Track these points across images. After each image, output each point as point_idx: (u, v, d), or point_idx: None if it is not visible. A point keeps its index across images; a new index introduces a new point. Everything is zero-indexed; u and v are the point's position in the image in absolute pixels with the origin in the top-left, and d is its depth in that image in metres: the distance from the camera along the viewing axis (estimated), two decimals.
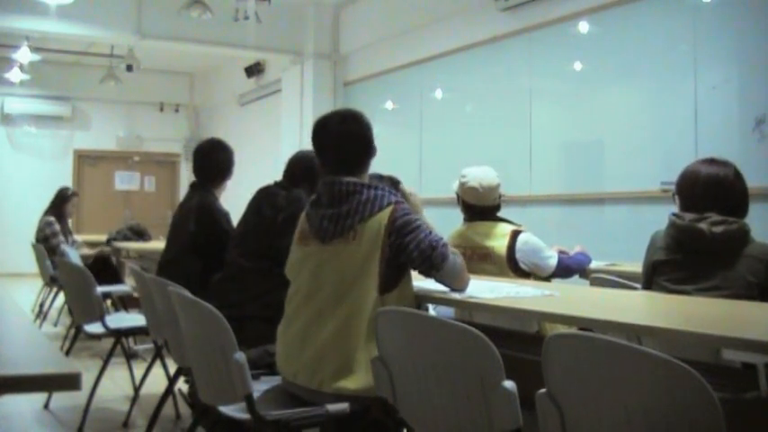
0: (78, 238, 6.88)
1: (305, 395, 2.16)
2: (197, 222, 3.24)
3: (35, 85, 10.79)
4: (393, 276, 2.16)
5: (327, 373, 2.11)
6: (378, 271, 2.13)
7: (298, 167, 3.07)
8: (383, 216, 2.16)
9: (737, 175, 2.43)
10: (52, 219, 6.43)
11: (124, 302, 5.40)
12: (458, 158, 6.72)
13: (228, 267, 2.98)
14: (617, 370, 1.39)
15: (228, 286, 2.90)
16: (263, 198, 3.01)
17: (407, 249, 2.15)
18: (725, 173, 2.42)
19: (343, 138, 2.31)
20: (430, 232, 2.20)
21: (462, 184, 3.27)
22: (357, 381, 2.07)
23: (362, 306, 2.12)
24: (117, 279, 6.25)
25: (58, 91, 11.51)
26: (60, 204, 6.63)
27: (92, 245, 6.76)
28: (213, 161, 3.42)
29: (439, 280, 2.27)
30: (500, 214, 3.32)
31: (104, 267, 6.09)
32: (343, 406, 2.07)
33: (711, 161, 2.47)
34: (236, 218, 3.26)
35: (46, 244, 6.23)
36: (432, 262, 2.18)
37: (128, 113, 12.23)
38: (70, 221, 6.98)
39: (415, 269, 2.24)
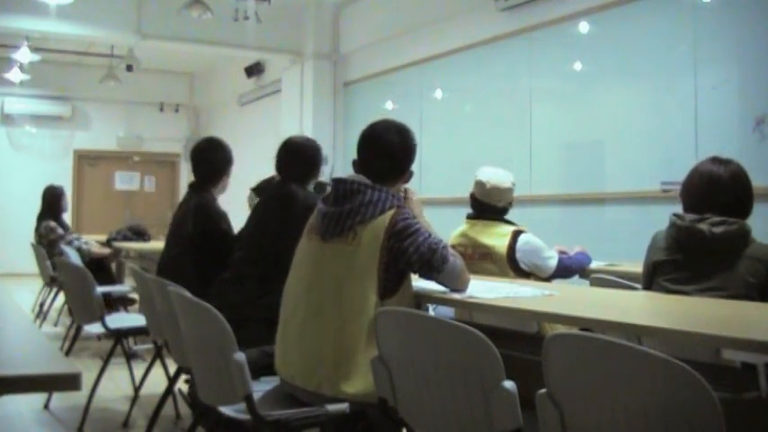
0: (86, 237, 6.72)
1: (303, 396, 2.15)
2: (195, 224, 3.24)
3: (35, 85, 10.78)
4: (393, 281, 2.15)
5: (325, 376, 2.10)
6: (377, 275, 2.11)
7: (284, 157, 3.07)
8: (384, 220, 2.15)
9: (734, 175, 2.40)
10: (52, 224, 6.34)
11: (124, 303, 5.40)
12: (458, 159, 6.73)
13: (231, 269, 2.99)
14: (617, 370, 1.39)
15: (228, 288, 2.90)
16: (261, 201, 3.02)
17: (407, 253, 2.13)
18: (719, 172, 2.41)
19: (375, 143, 2.32)
20: (429, 235, 2.19)
21: (475, 177, 3.31)
22: (356, 385, 2.06)
23: (361, 309, 2.10)
24: (111, 280, 6.24)
25: (58, 91, 11.50)
26: (55, 203, 6.53)
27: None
28: (209, 160, 3.42)
29: (440, 282, 2.27)
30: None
31: (98, 268, 6.06)
32: (343, 406, 2.06)
33: (713, 160, 2.46)
34: (234, 218, 3.26)
35: (51, 249, 6.16)
36: (432, 265, 2.18)
37: (128, 113, 12.23)
38: (66, 216, 6.88)
39: (415, 273, 2.23)
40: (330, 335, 2.11)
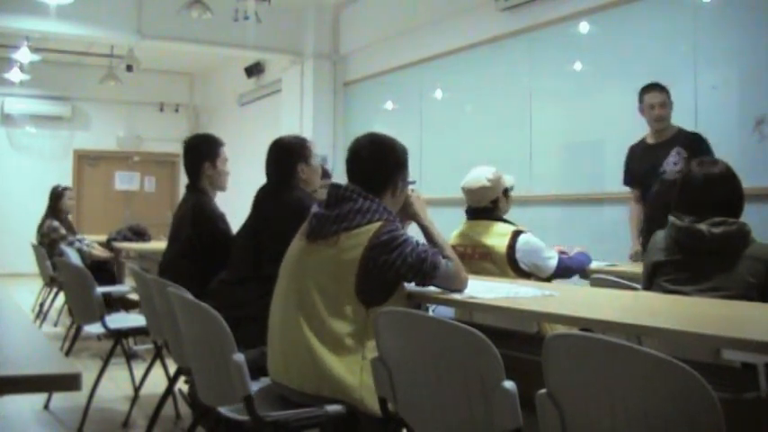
0: (87, 238, 6.71)
1: (291, 395, 2.16)
2: (193, 225, 3.24)
3: (35, 85, 10.79)
4: (379, 291, 2.15)
5: (305, 375, 2.12)
6: (354, 281, 2.12)
7: (269, 158, 3.07)
8: (369, 230, 2.17)
9: (707, 178, 2.40)
10: (56, 223, 6.36)
11: (124, 303, 5.40)
12: (458, 158, 6.73)
13: (229, 270, 2.99)
14: (617, 370, 1.39)
15: (227, 288, 2.90)
16: (255, 203, 3.03)
17: (395, 265, 2.15)
18: (697, 174, 2.42)
19: (351, 160, 2.35)
20: (417, 244, 2.22)
21: None
22: (337, 385, 2.07)
23: (336, 312, 2.12)
24: (113, 280, 6.23)
25: (58, 91, 11.50)
26: (55, 203, 6.55)
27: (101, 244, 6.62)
28: (189, 158, 3.40)
29: (436, 286, 2.30)
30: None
31: (100, 268, 6.06)
32: (342, 407, 2.07)
33: (699, 163, 2.47)
34: (235, 218, 3.26)
35: (51, 249, 6.16)
36: (424, 273, 2.21)
37: (128, 113, 12.23)
38: (70, 217, 6.91)
39: (409, 282, 2.25)
40: (306, 334, 2.13)
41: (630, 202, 4.41)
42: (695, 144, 4.11)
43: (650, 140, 4.28)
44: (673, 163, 4.11)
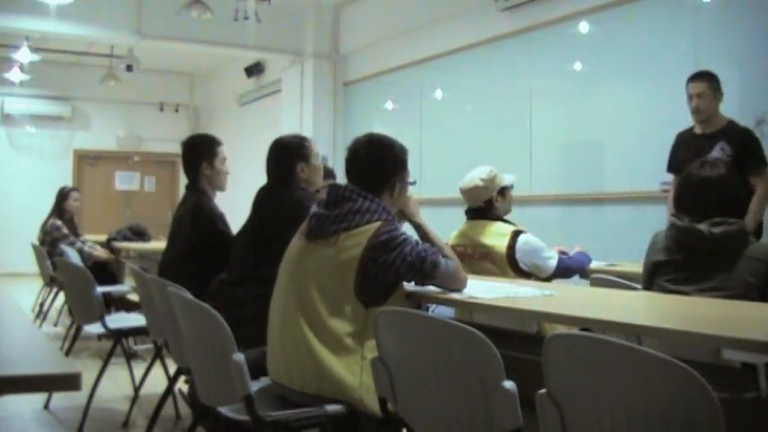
0: (88, 239, 6.70)
1: (291, 396, 2.16)
2: (193, 225, 3.24)
3: (35, 85, 10.79)
4: (378, 291, 2.15)
5: (305, 375, 2.12)
6: (353, 281, 2.12)
7: (269, 158, 3.06)
8: (369, 230, 2.16)
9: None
10: (59, 222, 6.37)
11: (124, 303, 5.40)
12: (458, 158, 6.73)
13: (229, 270, 2.99)
14: (617, 370, 1.39)
15: (227, 288, 2.90)
16: (255, 203, 3.03)
17: (395, 265, 2.14)
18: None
19: (349, 162, 2.35)
20: (417, 243, 2.22)
21: None
22: (337, 385, 2.07)
23: (336, 311, 2.12)
24: (114, 281, 6.23)
25: (58, 91, 11.51)
26: (61, 203, 6.57)
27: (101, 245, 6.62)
28: (186, 159, 3.40)
29: (436, 286, 2.30)
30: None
31: (101, 269, 6.06)
32: (342, 407, 2.07)
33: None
34: (236, 218, 3.26)
35: (52, 248, 6.16)
36: (424, 272, 2.21)
37: (128, 113, 12.23)
38: (75, 219, 6.91)
39: (408, 281, 2.25)
40: (306, 334, 2.13)
41: (671, 191, 4.21)
42: (743, 141, 3.96)
43: (697, 130, 4.11)
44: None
